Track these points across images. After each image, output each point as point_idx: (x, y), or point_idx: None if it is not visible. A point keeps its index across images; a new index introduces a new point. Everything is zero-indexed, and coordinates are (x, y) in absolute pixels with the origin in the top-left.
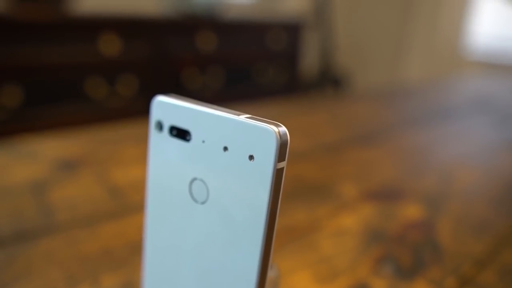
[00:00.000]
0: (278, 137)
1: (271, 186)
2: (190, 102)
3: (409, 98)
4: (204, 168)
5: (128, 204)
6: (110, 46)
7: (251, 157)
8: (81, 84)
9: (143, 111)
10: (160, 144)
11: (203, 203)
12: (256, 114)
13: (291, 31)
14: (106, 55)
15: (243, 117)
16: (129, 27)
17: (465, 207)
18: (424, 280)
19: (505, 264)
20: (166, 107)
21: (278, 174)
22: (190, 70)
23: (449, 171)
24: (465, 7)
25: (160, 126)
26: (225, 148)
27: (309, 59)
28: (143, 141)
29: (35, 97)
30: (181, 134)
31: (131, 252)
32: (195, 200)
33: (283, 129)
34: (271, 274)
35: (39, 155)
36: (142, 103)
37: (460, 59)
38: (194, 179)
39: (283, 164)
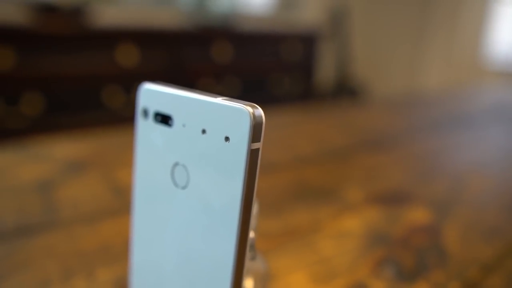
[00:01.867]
0: (252, 117)
1: (246, 167)
2: (175, 88)
3: (423, 106)
4: (185, 152)
5: (129, 203)
6: (127, 57)
7: (226, 139)
8: (99, 93)
9: None
10: (145, 131)
11: (183, 188)
12: (266, 121)
13: (307, 42)
14: (124, 65)
15: (220, 99)
16: (147, 38)
17: (475, 213)
18: (427, 283)
19: None
20: (151, 94)
21: (252, 155)
22: (206, 80)
23: (460, 178)
24: (484, 15)
25: (145, 113)
26: (203, 131)
27: (325, 70)
28: None
29: (55, 105)
30: (164, 119)
31: (124, 251)
32: (176, 185)
33: (258, 110)
34: (259, 267)
35: (48, 156)
36: None
37: (478, 68)
38: (176, 164)
39: (258, 145)
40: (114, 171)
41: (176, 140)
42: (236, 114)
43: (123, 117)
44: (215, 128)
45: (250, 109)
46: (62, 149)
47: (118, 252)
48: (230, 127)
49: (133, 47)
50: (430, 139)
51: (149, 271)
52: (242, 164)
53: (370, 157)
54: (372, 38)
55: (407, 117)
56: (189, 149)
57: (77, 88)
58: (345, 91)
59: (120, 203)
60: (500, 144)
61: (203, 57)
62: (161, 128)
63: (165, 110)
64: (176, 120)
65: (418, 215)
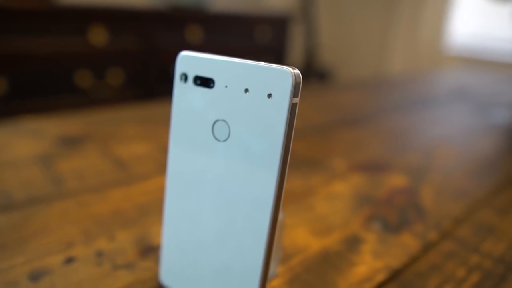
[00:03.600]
0: (294, 76)
1: (287, 118)
2: (211, 55)
3: (391, 88)
4: (227, 109)
5: (133, 174)
6: (98, 37)
7: (269, 95)
8: (68, 75)
9: (131, 101)
10: (184, 94)
11: (224, 140)
12: None
13: (278, 25)
14: (94, 46)
15: (261, 63)
16: (117, 18)
17: (445, 178)
18: (409, 233)
19: (479, 222)
20: (191, 60)
21: (293, 108)
22: (173, 58)
23: (430, 149)
24: (445, 4)
25: (185, 77)
26: (246, 90)
27: (295, 53)
28: (143, 121)
29: (21, 87)
30: (204, 82)
31: (141, 214)
32: (217, 139)
33: (297, 71)
34: (280, 216)
35: (41, 132)
36: (130, 93)
37: (440, 54)
38: (216, 121)
39: (297, 100)
40: (112, 146)
41: (218, 100)
42: (278, 74)
43: (94, 99)
44: (258, 87)
45: (291, 69)
46: (54, 126)
47: (132, 216)
48: (273, 85)
49: (103, 27)
50: (400, 116)
51: (184, 219)
52: (284, 116)
53: (349, 133)
54: (339, 24)
55: (377, 98)
56: (232, 106)
57: (45, 69)
58: (313, 74)
59: (123, 174)
60: (461, 120)
61: (174, 38)
62: (202, 90)
63: (206, 74)
64: (218, 82)
65: (397, 180)
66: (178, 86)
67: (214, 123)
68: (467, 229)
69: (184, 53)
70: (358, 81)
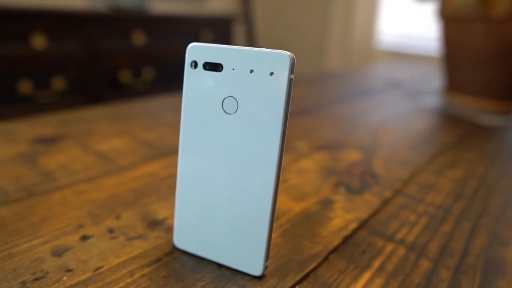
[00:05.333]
0: (290, 57)
1: (287, 90)
2: (218, 45)
3: (335, 81)
4: (235, 87)
5: (120, 165)
6: (38, 41)
7: (271, 73)
8: (9, 80)
9: (76, 106)
10: (194, 78)
11: (233, 113)
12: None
13: (221, 27)
14: (35, 50)
15: (262, 48)
16: (57, 21)
17: (391, 152)
18: (369, 194)
19: (422, 181)
20: (200, 49)
21: (290, 82)
22: (121, 63)
23: (376, 130)
24: (375, 4)
25: (194, 64)
26: (251, 71)
27: None
28: (114, 119)
29: None
30: (213, 67)
31: (138, 196)
32: (226, 112)
33: (291, 54)
34: None
35: (15, 135)
36: (75, 100)
37: (372, 50)
38: (226, 97)
39: (292, 76)
40: (90, 143)
41: (227, 80)
42: (278, 56)
43: (37, 104)
44: (261, 68)
45: (288, 52)
46: (26, 128)
47: (131, 199)
48: (274, 65)
49: (43, 30)
50: (346, 105)
51: (196, 183)
52: (284, 88)
53: (305, 121)
54: (277, 24)
55: (323, 91)
56: (239, 85)
57: None
58: None
59: (111, 165)
60: (397, 105)
61: (118, 41)
62: (211, 73)
63: (214, 60)
64: (226, 66)
65: (352, 155)
66: (188, 72)
67: (224, 99)
68: (413, 187)
69: (193, 44)
70: (303, 77)
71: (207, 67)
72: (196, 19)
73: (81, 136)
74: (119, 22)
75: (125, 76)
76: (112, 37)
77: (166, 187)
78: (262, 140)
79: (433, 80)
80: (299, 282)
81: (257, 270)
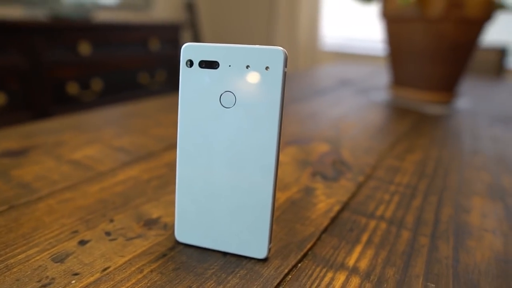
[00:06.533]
0: (284, 52)
1: (282, 82)
2: (212, 44)
3: (289, 83)
4: (232, 83)
5: (99, 172)
6: None
7: (267, 68)
8: None
9: (20, 122)
10: (190, 76)
11: (231, 107)
12: (135, 110)
13: (169, 34)
14: None
15: (257, 46)
16: None
17: (355, 141)
18: (345, 179)
19: (387, 166)
20: (195, 48)
21: (284, 76)
22: (67, 75)
23: (337, 123)
24: (318, 6)
25: (190, 63)
26: (247, 66)
27: None
28: (81, 129)
29: None
30: (209, 65)
31: (126, 200)
32: (224, 107)
33: (284, 49)
34: None
35: None
36: (18, 113)
37: (316, 52)
38: (223, 92)
39: (286, 69)
40: (62, 152)
41: (224, 76)
42: (273, 51)
43: None
44: (257, 63)
45: (281, 48)
46: None
47: (119, 203)
48: (269, 60)
49: None
50: (305, 104)
51: (196, 176)
52: (279, 81)
53: None
54: (223, 30)
55: None
56: (236, 80)
57: None
58: None
59: (90, 173)
60: (351, 101)
61: (62, 52)
62: (207, 71)
63: (210, 58)
64: (222, 63)
65: (322, 147)
66: (184, 70)
67: (222, 94)
68: (381, 171)
69: (188, 44)
70: None
71: (203, 65)
72: (143, 27)
73: (51, 147)
74: (62, 32)
75: (72, 88)
76: (56, 48)
77: (152, 189)
78: (261, 129)
79: (379, 77)
80: (300, 260)
81: (262, 253)
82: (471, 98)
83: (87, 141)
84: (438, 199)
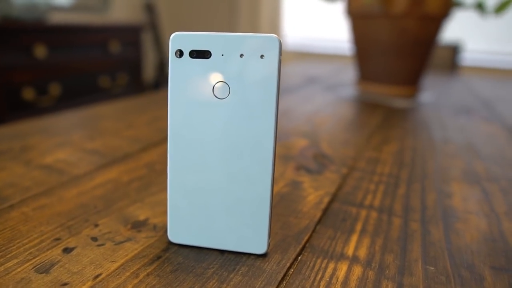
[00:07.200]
0: (279, 40)
1: (278, 70)
2: (203, 32)
3: None
4: (226, 72)
5: (74, 176)
6: None
7: (262, 56)
8: None
9: None
10: (180, 67)
11: (225, 98)
12: (103, 113)
13: (129, 36)
14: None
15: (250, 34)
16: None
17: (331, 135)
18: (329, 172)
19: (367, 157)
20: (185, 37)
21: (279, 63)
22: (22, 80)
23: (311, 119)
24: (279, 7)
25: (180, 53)
26: (241, 55)
27: (149, 62)
28: (46, 133)
29: None
30: (200, 55)
31: (107, 203)
32: (218, 98)
33: (278, 37)
34: None
35: None
36: None
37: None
38: (216, 83)
39: (281, 57)
40: (31, 157)
41: (217, 66)
42: (267, 39)
43: None
44: (251, 52)
45: (276, 36)
46: None
47: (102, 206)
48: (264, 48)
49: None
50: (279, 101)
51: (190, 171)
52: (275, 69)
53: None
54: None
55: None
56: (230, 69)
57: None
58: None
59: (65, 177)
60: (321, 98)
61: (14, 54)
62: (199, 61)
63: (201, 47)
64: (214, 52)
65: (301, 142)
66: (173, 61)
67: (214, 85)
68: (362, 163)
69: (177, 33)
70: None
71: (194, 55)
72: (101, 29)
73: (18, 152)
74: (14, 34)
75: (28, 93)
76: (8, 51)
77: (134, 190)
78: (257, 119)
79: (344, 74)
80: (300, 253)
81: (261, 248)
82: (432, 91)
83: (57, 144)
84: (421, 186)
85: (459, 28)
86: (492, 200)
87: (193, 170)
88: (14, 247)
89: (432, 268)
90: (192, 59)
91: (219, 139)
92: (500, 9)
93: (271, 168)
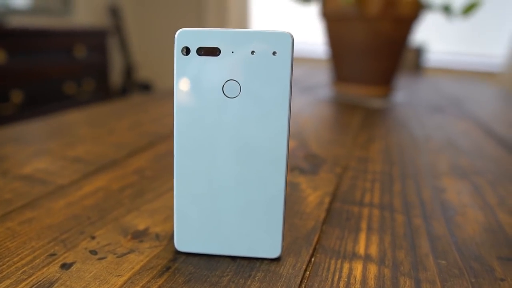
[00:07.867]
0: (292, 36)
1: (291, 67)
2: (211, 29)
3: None
4: (236, 70)
5: (59, 185)
6: None
7: (274, 53)
8: None
9: None
10: (187, 65)
11: (235, 97)
12: (79, 119)
13: (95, 40)
14: None
15: (260, 29)
16: None
17: (317, 135)
18: (323, 172)
19: (357, 156)
20: (192, 34)
21: (292, 59)
22: None
23: (294, 120)
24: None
25: (187, 50)
26: (253, 52)
27: (116, 67)
28: (24, 142)
29: None
30: (208, 52)
31: (101, 213)
32: (228, 97)
33: (290, 33)
34: None
35: None
36: None
37: None
38: (227, 81)
39: (293, 54)
40: (9, 168)
41: (227, 64)
42: (280, 35)
43: None
44: (263, 48)
45: (288, 32)
46: None
47: (96, 217)
48: (276, 45)
49: None
50: None
51: (199, 175)
52: (288, 66)
53: None
54: (150, 32)
55: None
56: (240, 67)
57: None
58: (136, 86)
59: (51, 187)
60: (300, 99)
61: None
62: (207, 58)
63: (210, 44)
64: (224, 49)
65: (292, 144)
66: (179, 59)
67: (225, 83)
68: (353, 162)
69: (183, 30)
70: None
71: (202, 53)
72: (65, 33)
73: None
74: None
75: None
76: None
77: (128, 198)
78: (269, 118)
79: (317, 76)
80: (312, 255)
81: (275, 252)
82: (404, 91)
83: (33, 153)
84: (414, 182)
85: (423, 30)
86: (484, 193)
87: (201, 173)
88: (5, 266)
89: (443, 262)
90: (200, 56)
91: (230, 140)
92: (467, 10)
93: (284, 168)
